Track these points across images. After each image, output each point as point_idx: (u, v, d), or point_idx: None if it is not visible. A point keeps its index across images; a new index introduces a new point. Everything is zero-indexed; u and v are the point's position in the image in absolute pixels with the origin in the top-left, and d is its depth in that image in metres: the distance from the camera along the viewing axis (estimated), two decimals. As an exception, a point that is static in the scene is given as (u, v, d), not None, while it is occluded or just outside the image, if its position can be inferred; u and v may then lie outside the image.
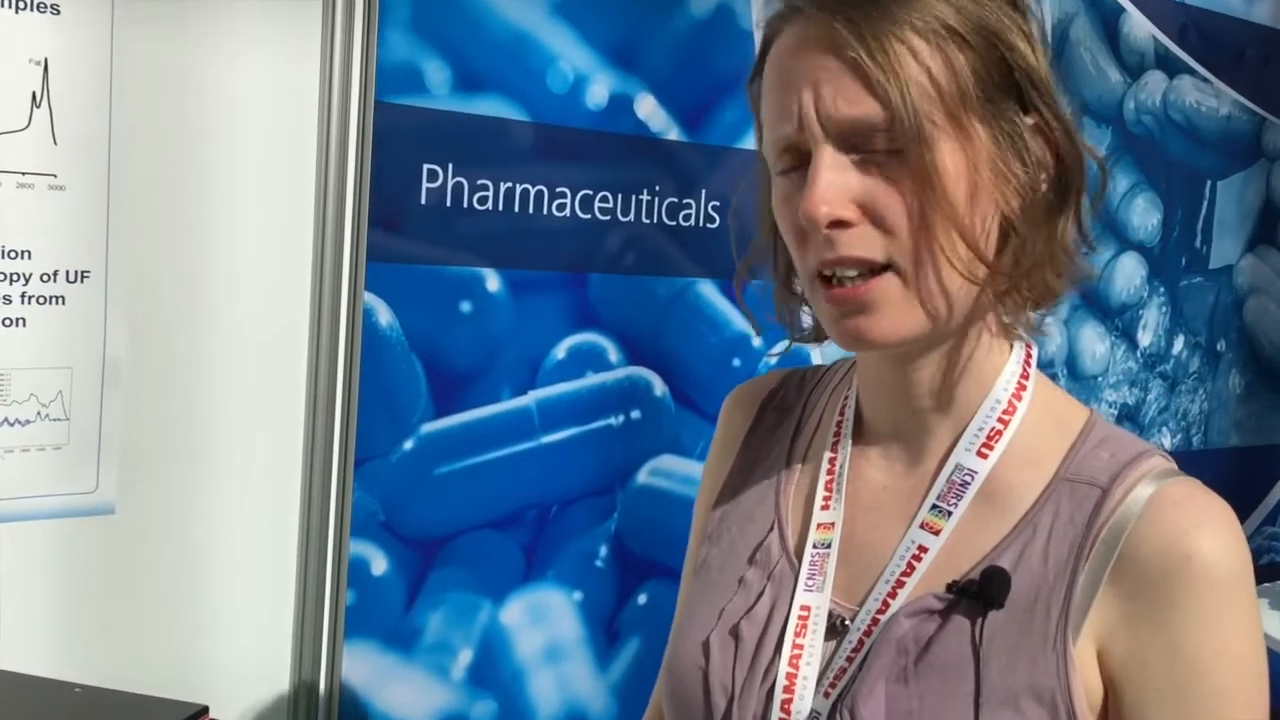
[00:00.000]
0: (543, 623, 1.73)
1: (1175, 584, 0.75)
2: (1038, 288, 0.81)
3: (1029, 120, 0.78)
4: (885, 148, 0.75)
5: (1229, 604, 0.75)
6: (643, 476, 1.81)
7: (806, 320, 0.90)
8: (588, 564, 1.76)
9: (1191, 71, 2.45)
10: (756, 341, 1.82)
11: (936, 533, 0.82)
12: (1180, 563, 0.75)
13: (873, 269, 0.76)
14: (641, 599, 1.81)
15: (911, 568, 0.81)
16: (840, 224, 0.75)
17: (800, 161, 0.78)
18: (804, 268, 0.80)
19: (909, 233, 0.76)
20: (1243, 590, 0.76)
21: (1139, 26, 2.34)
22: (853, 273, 0.76)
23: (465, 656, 1.67)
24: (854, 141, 0.76)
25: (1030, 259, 0.79)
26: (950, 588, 0.79)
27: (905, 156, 0.75)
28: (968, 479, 0.82)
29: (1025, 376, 0.85)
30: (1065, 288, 0.82)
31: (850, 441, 0.89)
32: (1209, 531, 0.76)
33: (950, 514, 0.82)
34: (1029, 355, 0.86)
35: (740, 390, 1.02)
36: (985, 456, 0.82)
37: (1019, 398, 0.84)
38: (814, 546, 0.86)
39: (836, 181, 0.75)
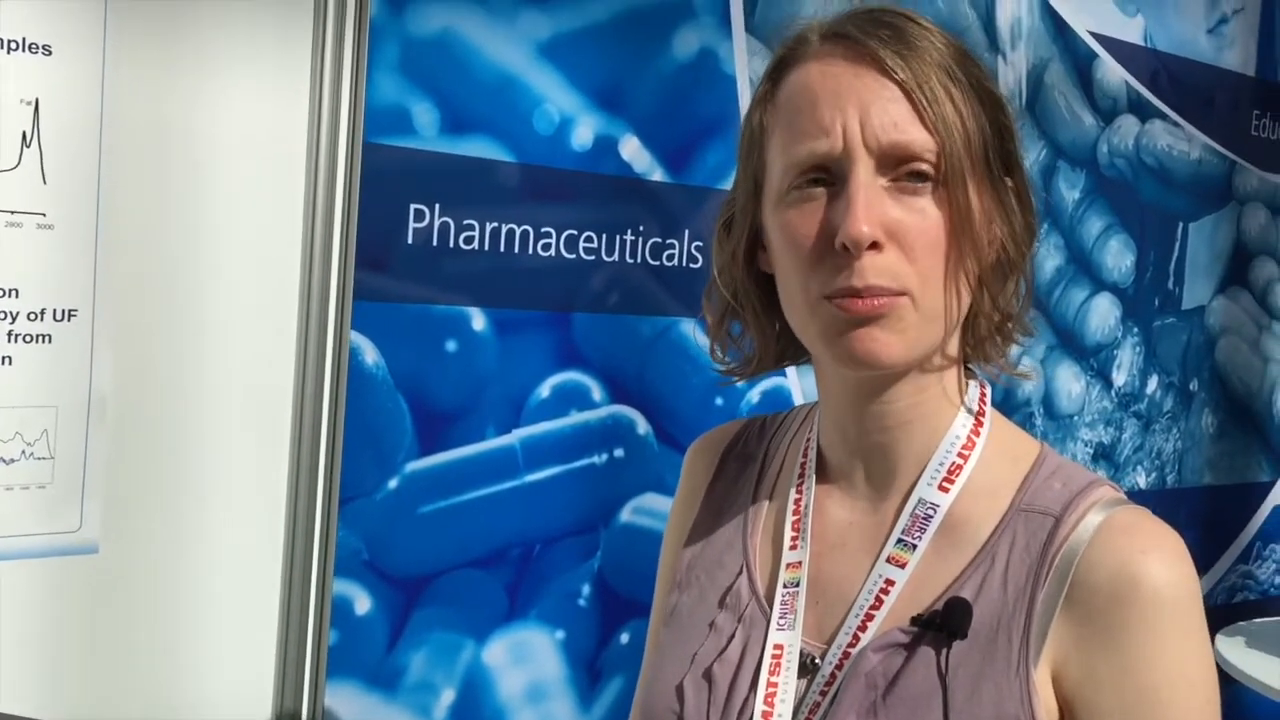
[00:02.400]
0: (525, 662, 1.73)
1: (1125, 608, 0.76)
2: (1009, 334, 0.86)
3: (1009, 182, 0.83)
4: (919, 175, 0.78)
5: (1178, 628, 0.77)
6: (626, 515, 1.81)
7: (749, 349, 0.92)
8: (570, 603, 1.76)
9: (1163, 116, 2.50)
10: (737, 382, 1.83)
11: (902, 566, 0.83)
12: (1129, 587, 0.76)
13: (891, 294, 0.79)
14: (624, 638, 1.81)
15: (880, 601, 0.83)
16: (873, 246, 0.77)
17: (828, 180, 0.80)
18: (811, 287, 0.80)
19: (933, 262, 0.78)
20: (1191, 615, 0.78)
21: (1112, 72, 2.39)
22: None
23: (448, 696, 1.66)
24: (891, 165, 0.78)
25: (1006, 305, 0.85)
26: (915, 620, 0.80)
27: (939, 190, 0.78)
28: (930, 512, 0.84)
29: (982, 413, 0.87)
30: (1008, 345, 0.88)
31: (814, 481, 0.91)
32: (1157, 557, 0.77)
33: (915, 547, 0.83)
34: (984, 393, 0.89)
35: (702, 441, 1.03)
36: (947, 490, 0.84)
37: (977, 433, 0.86)
38: (784, 586, 0.87)
39: (875, 203, 0.78)
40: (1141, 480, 2.56)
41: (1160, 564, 0.77)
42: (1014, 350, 0.89)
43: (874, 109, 0.78)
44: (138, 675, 1.43)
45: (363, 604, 1.58)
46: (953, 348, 0.85)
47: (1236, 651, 2.28)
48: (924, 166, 0.78)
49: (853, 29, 0.81)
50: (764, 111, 0.86)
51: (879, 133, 0.78)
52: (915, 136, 0.78)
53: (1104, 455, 2.47)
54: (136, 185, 1.38)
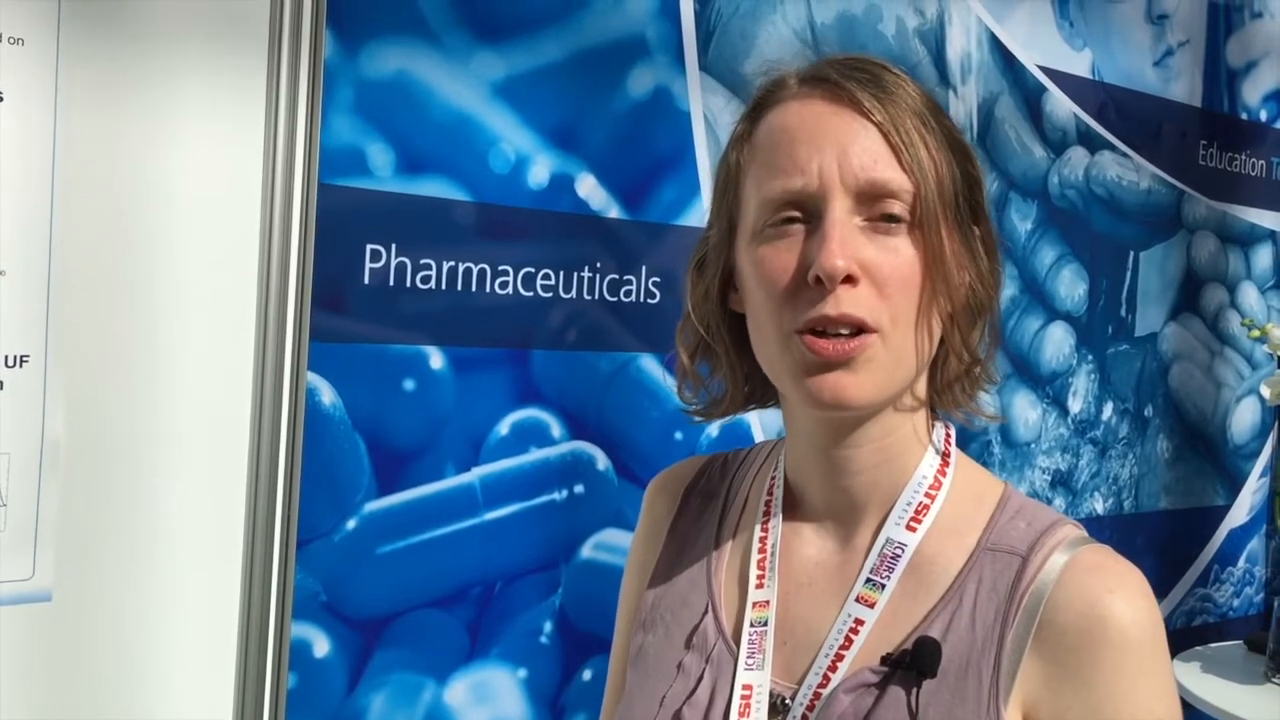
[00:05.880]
0: (487, 702, 1.72)
1: (1094, 647, 0.78)
2: (977, 379, 0.88)
3: (976, 230, 0.85)
4: (894, 218, 0.80)
5: (1145, 666, 0.78)
6: (587, 551, 1.81)
7: (718, 390, 0.93)
8: (532, 641, 1.76)
9: (1112, 147, 2.54)
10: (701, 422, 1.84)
11: (872, 605, 0.84)
12: (1097, 626, 0.78)
13: (860, 330, 0.79)
14: (587, 675, 1.80)
15: (849, 641, 0.83)
16: (848, 280, 0.78)
17: (803, 216, 0.81)
18: (784, 322, 0.81)
19: (905, 301, 0.80)
20: (1158, 652, 0.79)
21: (1060, 105, 2.43)
22: (844, 331, 0.79)
23: (409, 738, 1.65)
24: (867, 204, 0.80)
25: (972, 351, 0.86)
26: (885, 660, 0.81)
27: (914, 231, 0.80)
28: (898, 552, 0.85)
29: (948, 453, 0.89)
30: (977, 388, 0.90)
31: (781, 519, 0.91)
32: (1123, 596, 0.79)
33: (884, 587, 0.84)
34: (949, 433, 0.90)
35: (662, 478, 1.04)
36: (914, 530, 0.85)
37: (943, 473, 0.87)
38: (751, 625, 0.88)
39: (850, 239, 0.79)
40: (1099, 506, 2.58)
41: (1127, 603, 0.79)
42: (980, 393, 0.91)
43: (852, 148, 0.80)
44: (92, 724, 1.41)
45: (321, 646, 1.57)
46: (921, 390, 0.86)
47: (1193, 676, 2.30)
48: (899, 207, 0.80)
49: (832, 72, 0.84)
50: (741, 151, 0.87)
51: (857, 171, 0.79)
52: (892, 176, 0.80)
53: (1061, 482, 2.50)
54: (89, 229, 1.37)
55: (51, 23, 1.33)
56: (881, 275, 0.79)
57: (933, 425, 0.89)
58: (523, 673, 1.75)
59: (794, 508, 0.91)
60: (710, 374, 0.93)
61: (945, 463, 0.88)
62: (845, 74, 0.83)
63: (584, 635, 1.79)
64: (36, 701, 1.37)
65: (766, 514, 0.92)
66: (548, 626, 1.77)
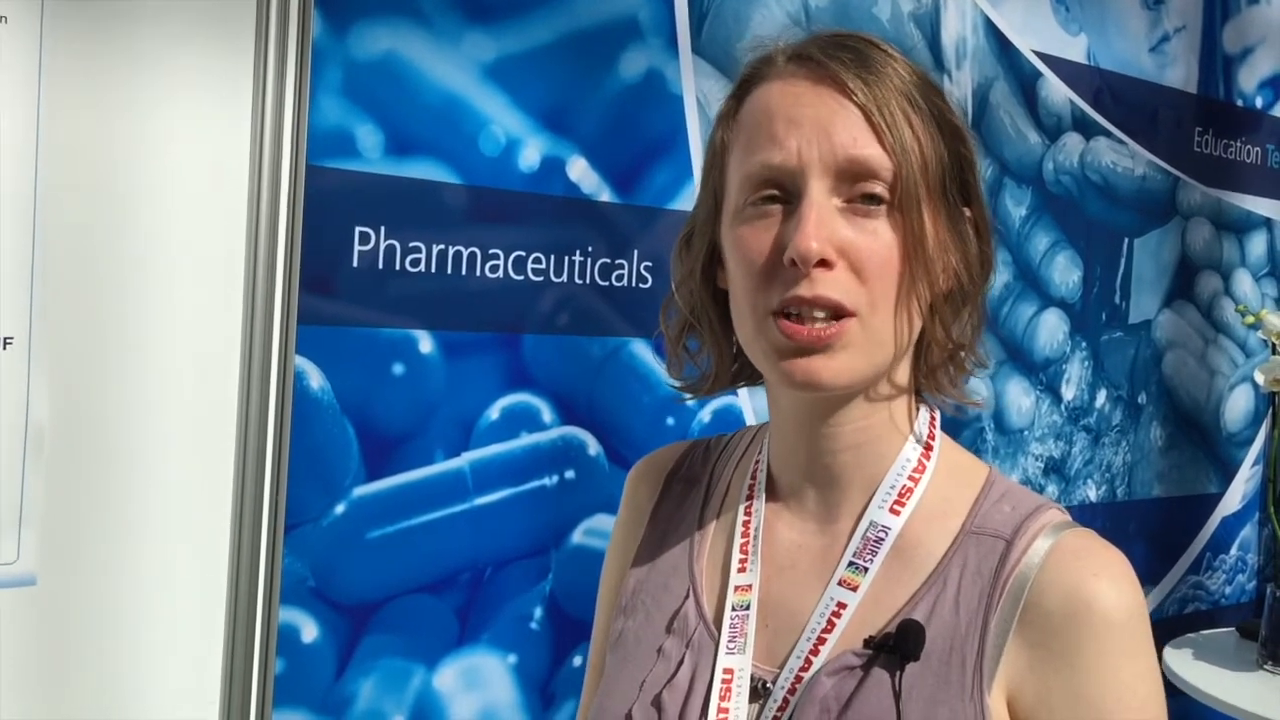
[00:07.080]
0: (477, 687, 1.71)
1: (1079, 630, 0.78)
2: (963, 364, 0.87)
3: (967, 212, 0.84)
4: (874, 198, 0.79)
5: (1128, 649, 0.78)
6: (577, 537, 1.80)
7: (706, 366, 0.93)
8: (522, 626, 1.75)
9: (1107, 133, 2.53)
10: (689, 400, 1.83)
11: (854, 589, 0.83)
12: (1082, 610, 0.78)
13: (837, 313, 0.78)
14: (577, 661, 1.80)
15: (832, 624, 0.83)
16: (823, 263, 0.77)
17: (782, 196, 0.80)
18: (760, 303, 0.80)
19: (884, 284, 0.79)
20: (1141, 636, 0.79)
21: (1056, 90, 2.42)
22: (820, 314, 0.78)
23: (398, 723, 1.64)
24: (847, 184, 0.79)
25: (959, 335, 0.85)
26: (868, 643, 0.81)
27: (894, 214, 0.79)
28: (882, 535, 0.84)
29: (932, 436, 0.88)
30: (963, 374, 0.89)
31: (764, 501, 0.91)
32: (1108, 579, 0.79)
33: (867, 570, 0.84)
34: (933, 418, 0.89)
35: (644, 464, 1.03)
36: (898, 513, 0.85)
37: (927, 456, 0.87)
38: (733, 609, 0.87)
39: (827, 221, 0.78)
40: (1092, 493, 2.58)
41: (1111, 587, 0.79)
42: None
43: (832, 128, 0.79)
44: (79, 709, 1.40)
45: (309, 632, 1.56)
46: (902, 375, 0.85)
47: (1185, 663, 2.30)
48: (879, 187, 0.79)
49: (816, 51, 0.82)
50: (725, 129, 0.87)
51: (836, 149, 0.78)
52: (872, 155, 0.79)
53: (1054, 469, 2.49)
54: (74, 211, 1.35)
55: (35, 0, 1.31)
56: (859, 258, 0.78)
57: (916, 410, 0.88)
58: (512, 658, 1.74)
59: (777, 491, 0.91)
60: (698, 350, 0.93)
61: (929, 447, 0.87)
62: (830, 53, 0.82)
63: (574, 621, 1.79)
64: (21, 685, 1.36)
65: (749, 497, 0.91)
66: (538, 612, 1.76)
